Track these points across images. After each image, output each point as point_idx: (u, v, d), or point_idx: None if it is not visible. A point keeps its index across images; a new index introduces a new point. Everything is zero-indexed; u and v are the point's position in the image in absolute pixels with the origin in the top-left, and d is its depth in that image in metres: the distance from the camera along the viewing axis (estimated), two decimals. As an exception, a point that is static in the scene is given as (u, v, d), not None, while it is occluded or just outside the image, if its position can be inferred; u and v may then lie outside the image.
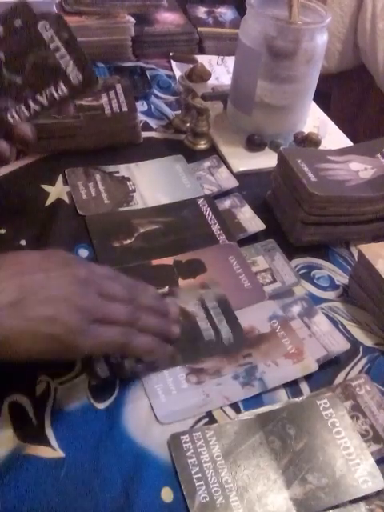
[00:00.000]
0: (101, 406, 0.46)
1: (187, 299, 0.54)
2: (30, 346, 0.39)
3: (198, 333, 0.52)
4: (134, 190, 0.69)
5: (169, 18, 1.04)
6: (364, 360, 0.53)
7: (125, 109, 0.75)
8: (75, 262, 0.46)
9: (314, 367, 0.50)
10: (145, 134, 0.79)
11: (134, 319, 0.45)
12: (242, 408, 0.47)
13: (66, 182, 0.69)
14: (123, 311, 0.45)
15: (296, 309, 0.55)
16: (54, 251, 0.47)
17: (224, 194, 0.70)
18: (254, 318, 0.54)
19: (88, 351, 0.43)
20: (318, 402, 0.47)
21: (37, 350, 0.40)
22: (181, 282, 0.57)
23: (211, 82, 0.83)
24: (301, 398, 0.48)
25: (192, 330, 0.52)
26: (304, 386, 0.50)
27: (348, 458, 0.44)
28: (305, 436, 0.45)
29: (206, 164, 0.75)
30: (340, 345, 0.52)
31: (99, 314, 0.43)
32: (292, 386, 0.49)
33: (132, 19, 0.94)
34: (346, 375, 0.51)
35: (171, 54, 0.96)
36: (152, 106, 0.86)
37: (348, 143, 0.82)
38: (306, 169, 0.62)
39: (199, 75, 0.79)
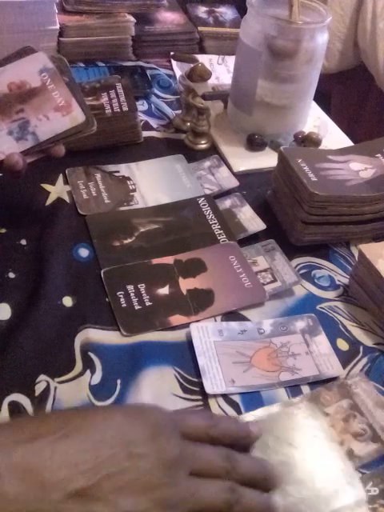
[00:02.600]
0: (101, 405, 0.46)
1: None
2: None
3: None
4: (134, 190, 0.69)
5: (169, 18, 1.03)
6: (364, 360, 0.53)
7: (125, 108, 0.75)
8: (166, 431, 0.35)
9: (82, 118, 0.52)
10: (145, 134, 0.79)
11: (234, 501, 0.35)
12: (242, 408, 0.47)
13: (66, 182, 0.69)
14: (219, 492, 0.35)
15: (300, 324, 0.55)
16: (141, 411, 0.37)
17: (224, 193, 0.70)
18: (24, 71, 0.53)
19: None
20: (296, 412, 0.46)
21: None
22: (181, 281, 0.57)
23: (211, 81, 0.83)
24: (278, 409, 0.47)
25: None
26: (305, 388, 0.50)
27: (327, 468, 0.43)
28: (283, 446, 0.44)
29: (207, 163, 0.75)
30: (334, 369, 0.51)
31: (192, 503, 0.34)
32: (292, 386, 0.50)
33: (132, 18, 0.94)
34: (347, 375, 0.51)
35: (172, 53, 0.96)
36: (152, 106, 0.86)
37: (348, 143, 0.82)
38: (306, 168, 0.62)
39: (200, 75, 0.79)
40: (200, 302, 0.56)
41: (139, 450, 0.33)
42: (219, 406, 0.48)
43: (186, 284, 0.57)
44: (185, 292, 0.56)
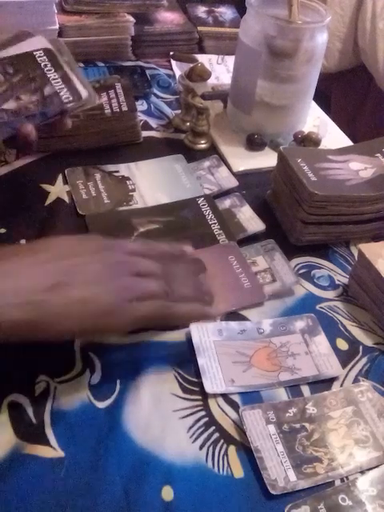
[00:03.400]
0: (101, 405, 0.46)
1: None
2: (64, 326, 0.41)
3: None
4: (133, 190, 0.69)
5: (169, 18, 1.03)
6: (364, 360, 0.53)
7: (125, 108, 0.75)
8: (107, 247, 0.47)
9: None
10: (145, 134, 0.79)
11: (168, 292, 0.47)
12: (240, 404, 0.47)
13: (65, 182, 0.69)
14: (156, 285, 0.46)
15: (300, 324, 0.55)
16: (88, 237, 0.53)
17: (224, 193, 0.70)
18: None
19: (127, 326, 0.46)
20: None
21: (70, 329, 0.42)
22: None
23: (211, 81, 0.83)
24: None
25: None
26: (304, 387, 0.50)
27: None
28: None
29: (206, 163, 0.75)
30: (333, 369, 0.51)
31: (134, 293, 0.44)
32: (292, 387, 0.50)
33: (132, 18, 0.94)
34: (346, 375, 0.51)
35: (171, 53, 0.96)
36: (152, 106, 0.86)
37: (348, 143, 0.82)
38: (305, 168, 0.62)
39: (199, 74, 0.79)
40: None
41: (88, 258, 0.44)
42: (219, 405, 0.48)
43: None
44: None
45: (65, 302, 0.41)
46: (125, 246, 0.49)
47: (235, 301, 0.56)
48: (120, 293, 0.44)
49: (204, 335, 0.52)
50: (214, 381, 0.49)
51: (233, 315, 0.55)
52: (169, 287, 0.47)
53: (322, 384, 0.50)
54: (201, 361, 0.50)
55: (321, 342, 0.53)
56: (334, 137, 0.83)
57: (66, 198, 0.67)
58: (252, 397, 0.48)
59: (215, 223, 0.65)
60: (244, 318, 0.55)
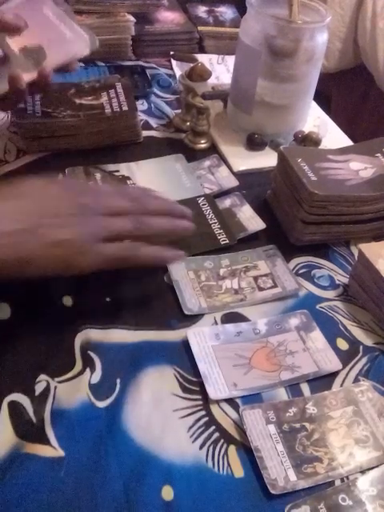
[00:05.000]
0: (101, 404, 0.46)
1: None
2: (39, 266, 0.45)
3: None
4: (134, 189, 0.69)
5: (169, 17, 1.03)
6: (364, 359, 0.53)
7: (125, 108, 0.75)
8: (81, 189, 0.51)
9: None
10: (145, 133, 0.79)
11: (140, 225, 0.49)
12: (240, 403, 0.47)
13: (66, 181, 0.69)
14: (127, 222, 0.48)
15: (294, 321, 0.55)
16: (61, 180, 0.57)
17: (224, 193, 0.70)
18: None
19: (95, 266, 0.47)
20: None
21: (45, 268, 0.45)
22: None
23: (211, 81, 0.83)
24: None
25: None
26: (304, 387, 0.50)
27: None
28: None
29: (206, 163, 0.75)
30: (332, 364, 0.51)
31: (105, 233, 0.47)
32: (292, 386, 0.50)
33: (132, 18, 0.94)
34: (346, 375, 0.51)
35: (171, 53, 0.96)
36: (152, 105, 0.86)
37: (348, 142, 0.82)
38: (306, 168, 0.62)
39: (199, 74, 0.79)
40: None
41: (62, 202, 0.47)
42: (219, 405, 0.48)
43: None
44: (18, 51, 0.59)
45: (41, 244, 0.44)
46: (97, 188, 0.52)
47: (60, 54, 0.60)
48: (93, 233, 0.46)
49: (202, 340, 0.52)
50: (216, 386, 0.48)
51: (233, 315, 0.55)
52: (140, 222, 0.49)
53: (322, 382, 0.50)
54: (201, 367, 0.50)
55: (317, 337, 0.54)
56: (334, 137, 0.83)
57: (66, 198, 0.67)
58: (252, 397, 0.48)
59: (215, 222, 0.65)
60: (244, 319, 0.55)
